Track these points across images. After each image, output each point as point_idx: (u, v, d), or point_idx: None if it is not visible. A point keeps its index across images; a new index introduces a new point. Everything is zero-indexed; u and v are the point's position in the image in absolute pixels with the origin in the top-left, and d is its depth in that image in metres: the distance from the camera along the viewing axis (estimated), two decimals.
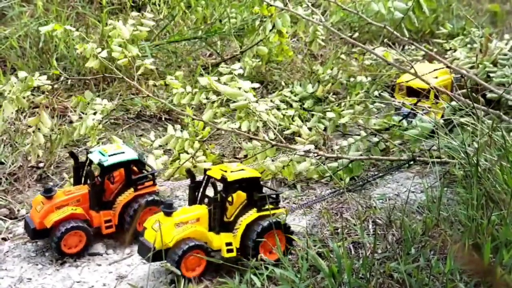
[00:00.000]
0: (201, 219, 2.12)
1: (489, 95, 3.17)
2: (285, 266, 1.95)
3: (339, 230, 2.33)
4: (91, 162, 2.35)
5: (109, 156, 2.32)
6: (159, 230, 2.02)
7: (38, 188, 2.74)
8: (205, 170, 2.19)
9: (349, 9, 3.19)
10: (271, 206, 2.16)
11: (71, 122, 3.06)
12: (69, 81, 3.54)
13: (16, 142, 2.96)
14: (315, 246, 2.15)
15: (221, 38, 4.03)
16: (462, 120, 2.71)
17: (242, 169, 2.15)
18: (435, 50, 4.03)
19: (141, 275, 2.13)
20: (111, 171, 2.35)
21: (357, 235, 2.27)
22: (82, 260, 2.25)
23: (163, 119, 3.42)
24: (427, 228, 2.11)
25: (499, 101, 3.09)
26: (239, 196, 2.17)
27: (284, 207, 2.30)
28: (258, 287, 1.87)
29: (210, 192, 2.17)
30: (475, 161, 2.12)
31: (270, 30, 3.33)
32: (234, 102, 2.84)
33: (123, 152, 2.36)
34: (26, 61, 3.56)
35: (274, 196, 2.19)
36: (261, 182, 2.18)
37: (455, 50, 3.85)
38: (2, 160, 2.84)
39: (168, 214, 2.08)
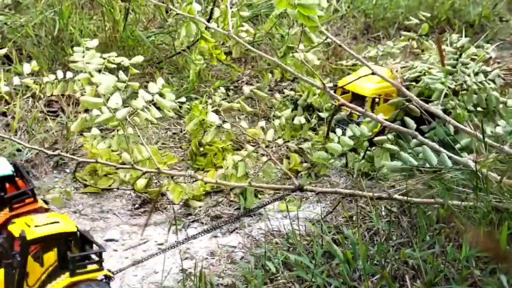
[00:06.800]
0: None
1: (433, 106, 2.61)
2: (299, 252, 1.96)
3: (353, 217, 2.33)
4: None
5: None
6: None
7: (55, 174, 2.77)
8: (9, 219, 1.84)
9: None
10: (92, 268, 1.73)
11: (86, 110, 3.06)
12: None
13: (33, 129, 2.99)
14: (329, 232, 2.16)
15: None
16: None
17: (55, 222, 1.72)
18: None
19: (156, 260, 2.15)
20: None
21: (371, 222, 2.27)
22: None
23: None
24: (441, 215, 2.10)
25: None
26: (51, 255, 1.74)
27: (108, 271, 1.80)
28: (272, 272, 1.88)
29: None
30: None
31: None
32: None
33: None
34: (42, 49, 3.58)
35: (97, 254, 1.75)
36: None
37: (422, 50, 3.40)
38: (19, 147, 2.87)
39: None
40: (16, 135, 2.94)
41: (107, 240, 2.31)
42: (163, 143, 3.06)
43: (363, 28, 4.60)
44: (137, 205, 2.56)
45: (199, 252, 2.23)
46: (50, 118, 3.11)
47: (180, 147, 3.04)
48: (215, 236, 2.33)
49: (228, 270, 2.11)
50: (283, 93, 3.35)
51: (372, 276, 1.86)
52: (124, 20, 3.66)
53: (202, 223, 2.44)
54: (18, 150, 2.85)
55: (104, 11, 3.70)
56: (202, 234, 2.25)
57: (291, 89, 3.44)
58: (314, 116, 3.06)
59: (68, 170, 2.79)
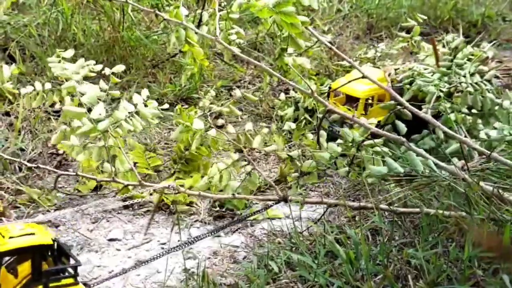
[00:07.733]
0: None
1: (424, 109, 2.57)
2: (302, 252, 1.96)
3: (356, 217, 2.33)
4: None
5: None
6: None
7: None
8: None
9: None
10: (67, 282, 1.64)
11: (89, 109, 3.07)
12: None
13: (36, 129, 3.00)
14: (332, 232, 2.16)
15: None
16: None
17: (30, 233, 1.64)
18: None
19: (159, 259, 2.15)
20: None
21: (374, 221, 2.27)
22: (101, 245, 2.28)
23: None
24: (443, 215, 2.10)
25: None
26: (26, 266, 1.67)
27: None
28: (275, 272, 1.88)
29: None
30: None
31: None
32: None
33: None
34: (45, 49, 3.59)
35: (71, 268, 1.66)
36: None
37: (414, 53, 3.39)
38: (23, 147, 2.88)
39: None
40: (19, 135, 2.94)
41: (110, 240, 2.32)
42: (166, 143, 3.07)
43: (366, 28, 4.60)
44: (138, 205, 2.56)
45: (202, 252, 2.24)
46: (54, 118, 3.12)
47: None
48: (218, 236, 2.33)
49: (230, 269, 2.11)
50: (287, 93, 3.35)
51: (374, 276, 1.86)
52: (123, 20, 3.67)
53: (205, 222, 2.45)
54: (22, 149, 2.87)
55: (104, 12, 3.70)
56: (205, 236, 2.25)
57: (294, 89, 3.44)
58: (315, 116, 3.06)
59: (71, 170, 2.79)
